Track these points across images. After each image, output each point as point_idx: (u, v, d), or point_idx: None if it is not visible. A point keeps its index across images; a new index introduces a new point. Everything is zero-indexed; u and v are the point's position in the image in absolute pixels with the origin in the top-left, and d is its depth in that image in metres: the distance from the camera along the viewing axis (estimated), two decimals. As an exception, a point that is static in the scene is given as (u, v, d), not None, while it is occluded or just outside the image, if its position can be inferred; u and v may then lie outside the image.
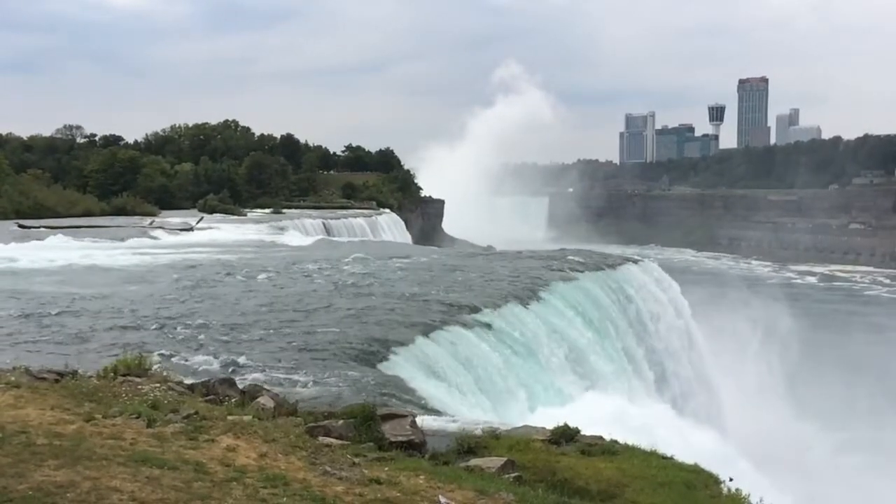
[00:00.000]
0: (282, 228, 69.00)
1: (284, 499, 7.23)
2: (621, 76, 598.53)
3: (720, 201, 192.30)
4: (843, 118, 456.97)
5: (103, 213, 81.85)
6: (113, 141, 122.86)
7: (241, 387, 12.37)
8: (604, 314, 32.02)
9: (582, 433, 11.33)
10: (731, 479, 10.02)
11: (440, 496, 7.83)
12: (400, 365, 19.35)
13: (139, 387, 11.23)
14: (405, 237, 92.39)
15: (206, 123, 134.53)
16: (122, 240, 51.50)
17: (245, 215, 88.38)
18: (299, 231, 69.47)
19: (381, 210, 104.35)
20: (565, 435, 11.20)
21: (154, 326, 21.72)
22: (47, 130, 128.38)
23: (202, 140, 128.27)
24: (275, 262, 39.04)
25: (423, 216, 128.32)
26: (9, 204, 75.15)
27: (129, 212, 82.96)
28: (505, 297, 28.34)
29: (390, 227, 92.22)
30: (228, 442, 8.75)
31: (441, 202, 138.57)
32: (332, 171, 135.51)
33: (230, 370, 16.75)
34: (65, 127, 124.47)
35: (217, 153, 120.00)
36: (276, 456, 8.49)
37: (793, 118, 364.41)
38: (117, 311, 24.14)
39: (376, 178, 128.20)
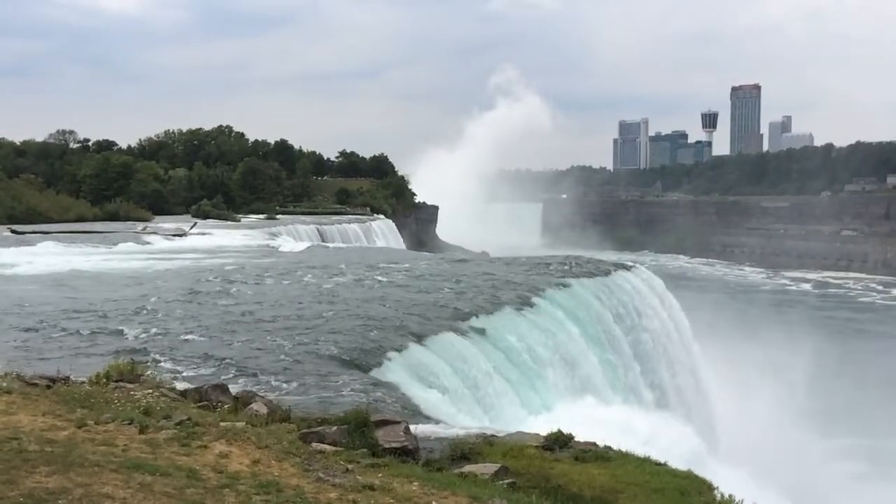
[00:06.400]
0: (275, 234, 69.01)
1: (277, 505, 7.20)
2: (615, 83, 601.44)
3: (713, 208, 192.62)
4: (835, 125, 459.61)
5: (96, 219, 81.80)
6: (106, 146, 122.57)
7: (233, 393, 12.31)
8: (597, 320, 32.06)
9: (576, 439, 11.33)
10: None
11: (434, 502, 7.81)
12: (393, 371, 19.33)
13: (131, 393, 11.17)
14: (399, 243, 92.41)
15: (200, 129, 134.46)
16: (115, 245, 51.48)
17: (239, 221, 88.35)
18: (292, 237, 69.49)
19: (375, 216, 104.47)
20: (559, 441, 11.19)
21: (146, 332, 21.64)
22: (40, 135, 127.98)
23: (196, 145, 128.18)
24: (268, 268, 38.98)
25: (417, 222, 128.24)
26: (1, 209, 74.99)
27: (122, 217, 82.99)
28: (498, 303, 28.35)
29: (384, 232, 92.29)
30: (221, 448, 8.71)
31: (435, 208, 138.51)
32: (326, 177, 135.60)
33: (223, 376, 16.70)
34: (58, 132, 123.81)
35: (211, 159, 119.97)
36: (269, 462, 8.46)
37: (785, 125, 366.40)
38: (109, 316, 24.06)
39: (370, 184, 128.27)
